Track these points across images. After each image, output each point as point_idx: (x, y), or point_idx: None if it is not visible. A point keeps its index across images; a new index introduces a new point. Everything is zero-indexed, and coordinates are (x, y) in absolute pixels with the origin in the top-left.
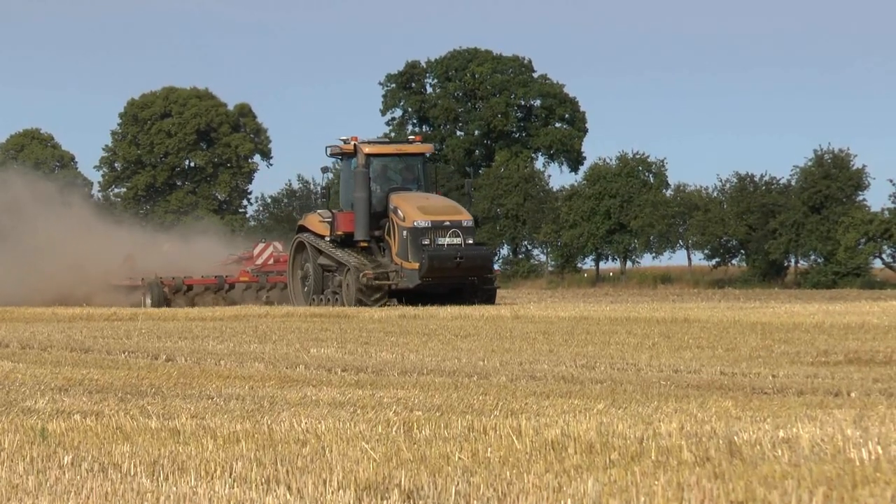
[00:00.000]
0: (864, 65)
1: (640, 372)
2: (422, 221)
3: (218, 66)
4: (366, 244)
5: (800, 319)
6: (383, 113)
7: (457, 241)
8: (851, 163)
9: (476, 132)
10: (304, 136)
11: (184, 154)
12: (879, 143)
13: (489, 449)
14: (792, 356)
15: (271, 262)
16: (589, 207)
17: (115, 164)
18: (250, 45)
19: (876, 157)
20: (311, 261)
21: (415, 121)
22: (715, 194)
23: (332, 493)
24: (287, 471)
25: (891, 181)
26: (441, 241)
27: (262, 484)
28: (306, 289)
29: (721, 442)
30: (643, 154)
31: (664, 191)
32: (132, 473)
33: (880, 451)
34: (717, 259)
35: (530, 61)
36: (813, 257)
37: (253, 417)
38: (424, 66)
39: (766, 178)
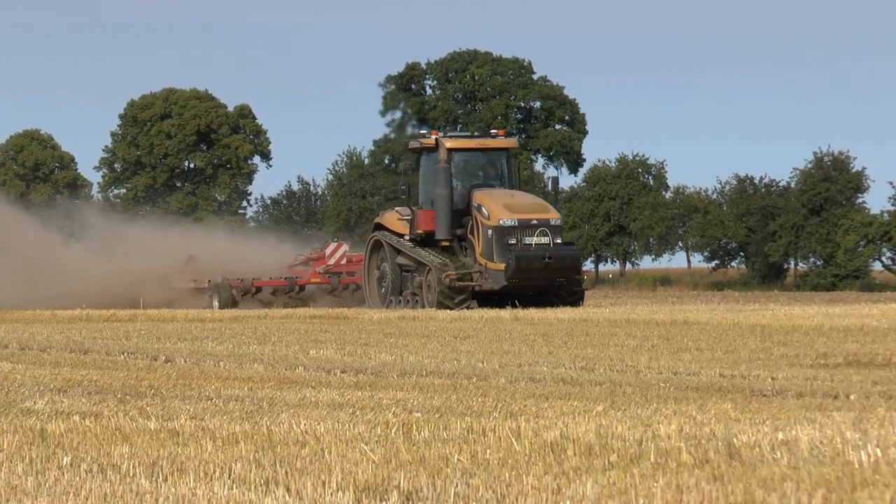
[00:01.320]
0: (864, 67)
1: (640, 374)
2: (508, 220)
3: (218, 67)
4: (447, 243)
5: (799, 322)
6: (383, 114)
7: (544, 240)
8: (851, 165)
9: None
10: (304, 137)
11: (183, 155)
12: (879, 146)
13: (488, 451)
14: (791, 358)
15: (344, 262)
16: (588, 209)
17: (115, 166)
18: (250, 47)
19: (876, 160)
20: (389, 261)
21: (414, 122)
22: (714, 196)
23: (331, 494)
24: (286, 472)
25: (890, 183)
26: (528, 240)
27: (260, 485)
28: (383, 290)
29: (720, 444)
30: (643, 156)
31: (664, 193)
32: (131, 474)
33: (879, 454)
34: (717, 261)
35: (530, 63)
36: (812, 260)
37: (252, 419)
38: (424, 67)
39: (766, 180)
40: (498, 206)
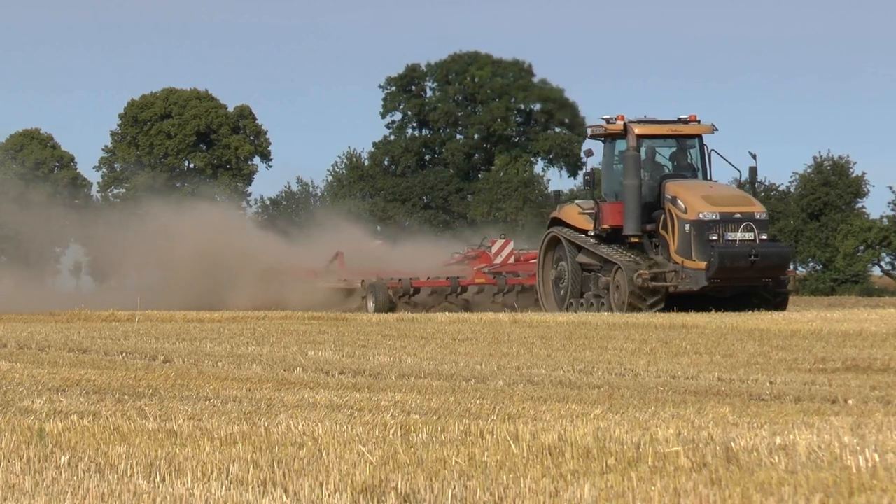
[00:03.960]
0: (865, 72)
1: (638, 377)
2: (708, 213)
3: (218, 67)
4: (636, 240)
5: (798, 326)
6: (383, 116)
7: (749, 236)
8: (851, 170)
9: (476, 136)
10: (304, 138)
11: (183, 155)
12: (879, 151)
13: (486, 453)
14: (789, 363)
15: (511, 260)
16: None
17: (115, 165)
18: (250, 47)
19: (875, 165)
20: (568, 259)
21: (414, 124)
22: None
23: (329, 495)
24: (284, 473)
25: (890, 188)
26: (731, 236)
27: (258, 486)
28: (561, 292)
29: (718, 448)
30: None
31: None
32: (129, 474)
33: (877, 459)
34: None
35: (530, 65)
36: (811, 264)
37: (250, 419)
38: (424, 69)
39: (766, 184)
40: (696, 199)
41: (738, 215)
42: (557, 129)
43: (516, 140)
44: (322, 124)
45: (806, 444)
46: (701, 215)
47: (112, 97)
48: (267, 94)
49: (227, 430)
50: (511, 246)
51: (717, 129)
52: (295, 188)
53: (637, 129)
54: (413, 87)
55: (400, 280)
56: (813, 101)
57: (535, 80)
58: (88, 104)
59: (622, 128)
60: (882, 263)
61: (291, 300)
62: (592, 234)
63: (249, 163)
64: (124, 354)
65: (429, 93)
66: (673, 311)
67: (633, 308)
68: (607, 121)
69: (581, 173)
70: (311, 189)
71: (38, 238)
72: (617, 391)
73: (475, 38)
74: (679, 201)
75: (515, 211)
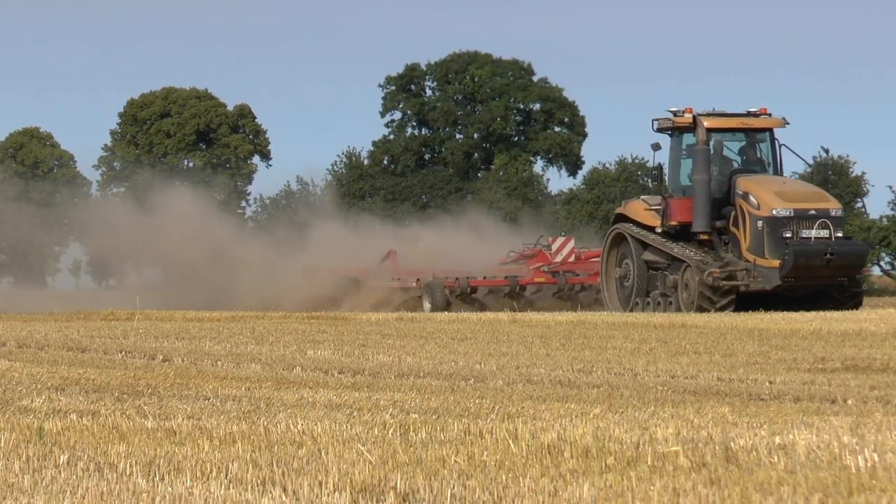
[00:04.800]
0: (864, 71)
1: (637, 377)
2: (782, 210)
3: (218, 66)
4: (705, 237)
5: (797, 326)
6: (382, 115)
7: (824, 233)
8: (850, 169)
9: (475, 135)
10: (303, 137)
11: (183, 154)
12: (879, 150)
13: (485, 452)
14: (789, 363)
15: (572, 258)
16: (587, 212)
17: (114, 164)
18: (250, 46)
19: (875, 164)
20: (633, 257)
21: (414, 123)
22: None
23: (328, 495)
24: (283, 472)
25: (890, 188)
26: (806, 233)
27: (257, 485)
28: (626, 291)
29: (717, 448)
30: (642, 159)
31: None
32: (128, 473)
33: (876, 459)
34: None
35: (530, 65)
36: None
37: (249, 419)
38: (424, 68)
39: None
40: (769, 195)
41: (812, 212)
42: (557, 129)
43: (516, 139)
44: (321, 123)
45: (805, 444)
46: (774, 212)
47: (111, 96)
48: (266, 93)
49: (226, 429)
50: (571, 244)
51: (788, 123)
52: (294, 187)
53: (707, 123)
54: (413, 87)
55: (457, 279)
56: (812, 101)
57: (535, 79)
58: (88, 103)
59: (691, 121)
60: (881, 263)
61: (339, 300)
62: (660, 230)
63: (249, 162)
64: (123, 353)
65: (428, 92)
66: (741, 311)
67: (701, 308)
68: (674, 113)
69: (650, 168)
70: (310, 188)
71: (37, 237)
72: (616, 391)
73: (475, 38)
74: (751, 197)
75: (515, 210)
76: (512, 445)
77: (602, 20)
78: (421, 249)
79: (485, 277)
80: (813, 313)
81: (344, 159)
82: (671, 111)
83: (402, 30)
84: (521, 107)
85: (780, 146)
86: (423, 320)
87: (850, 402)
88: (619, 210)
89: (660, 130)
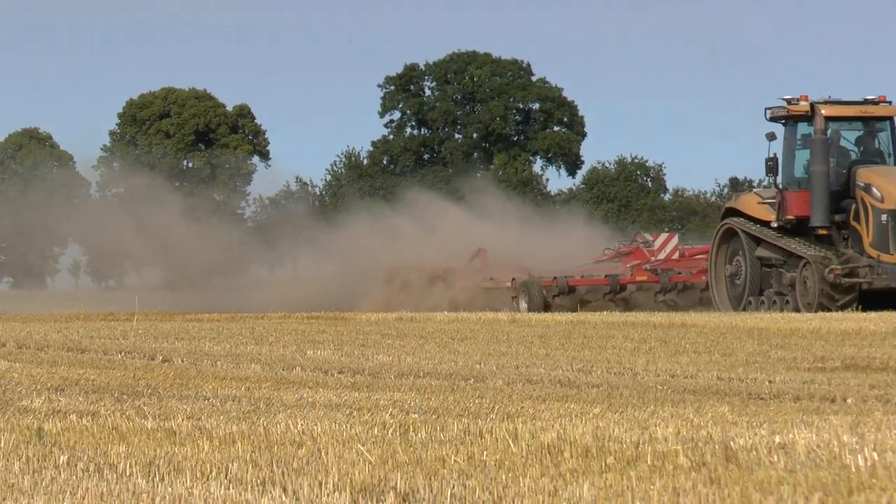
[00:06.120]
0: (863, 71)
1: (637, 376)
2: None
3: (217, 67)
4: (824, 231)
5: (797, 325)
6: (381, 115)
7: None
8: None
9: (474, 135)
10: (303, 137)
11: (182, 155)
12: None
13: (485, 452)
14: (788, 362)
15: (675, 256)
16: (587, 211)
17: (114, 165)
18: (250, 47)
19: None
20: (745, 253)
21: (413, 123)
22: (713, 199)
23: (328, 495)
24: (283, 472)
25: None
26: None
27: (257, 485)
28: (737, 289)
29: (717, 447)
30: (641, 158)
31: (662, 195)
32: (128, 474)
33: (876, 458)
34: None
35: (529, 64)
36: None
37: (249, 419)
38: (423, 68)
39: (765, 183)
40: (894, 187)
41: None
42: (556, 128)
43: (515, 139)
44: (321, 123)
45: (805, 443)
46: None
47: (111, 96)
48: (266, 93)
49: (225, 429)
50: (675, 240)
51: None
52: (294, 187)
53: (825, 111)
54: (412, 87)
55: (555, 278)
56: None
57: (534, 79)
58: (87, 103)
59: (807, 109)
60: None
61: (422, 301)
62: (775, 225)
63: (248, 162)
64: (123, 354)
65: (427, 92)
66: (859, 310)
67: (822, 307)
68: (789, 102)
69: (765, 159)
70: (309, 188)
71: (36, 238)
72: (616, 390)
73: (474, 38)
74: (874, 189)
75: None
76: (512, 445)
77: (601, 19)
78: (511, 245)
79: (582, 277)
80: (812, 312)
81: (343, 159)
82: (785, 99)
83: (401, 30)
84: (521, 106)
85: None
86: (422, 320)
87: (849, 401)
88: (729, 204)
89: (773, 119)
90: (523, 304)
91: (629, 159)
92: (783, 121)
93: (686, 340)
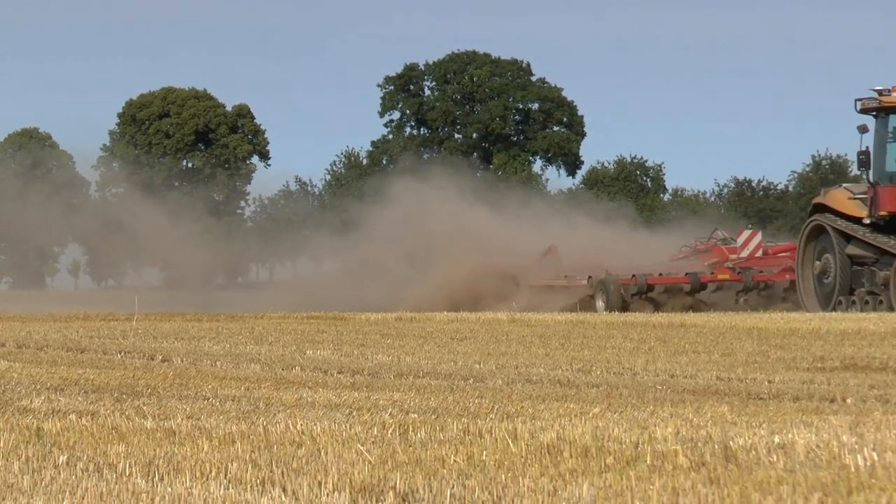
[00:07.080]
0: (862, 71)
1: (636, 376)
2: None
3: (217, 67)
4: None
5: (796, 325)
6: (381, 115)
7: None
8: (849, 169)
9: (474, 135)
10: (303, 137)
11: (181, 154)
12: None
13: (484, 452)
14: (788, 362)
15: (759, 253)
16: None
17: (114, 165)
18: (250, 47)
19: None
20: (835, 251)
21: (413, 123)
22: (712, 199)
23: (328, 494)
24: (282, 472)
25: None
26: None
27: (257, 485)
28: (826, 288)
29: (716, 447)
30: (641, 158)
31: (661, 195)
32: (127, 474)
33: (876, 458)
34: None
35: (528, 65)
36: None
37: (248, 419)
38: (423, 68)
39: (764, 183)
40: None
41: None
42: (556, 128)
43: (515, 139)
44: (320, 123)
45: (804, 443)
46: None
47: (110, 96)
48: (265, 93)
49: (225, 429)
50: (759, 237)
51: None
52: (293, 187)
53: None
54: (411, 87)
55: (634, 276)
56: (811, 100)
57: (534, 79)
58: (87, 103)
59: None
60: None
61: (491, 299)
62: (867, 221)
63: (248, 162)
64: (123, 354)
65: (427, 92)
66: None
67: None
68: (880, 93)
69: (857, 153)
70: (308, 188)
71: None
72: (615, 390)
73: (473, 38)
74: None
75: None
76: (511, 445)
77: (601, 19)
78: (583, 243)
79: (661, 274)
80: (811, 312)
81: (343, 159)
82: (876, 90)
83: (400, 30)
84: (520, 106)
85: None
86: (422, 320)
87: (849, 401)
88: (817, 200)
89: (863, 111)
90: (600, 303)
91: (629, 159)
92: (874, 112)
93: (685, 340)
